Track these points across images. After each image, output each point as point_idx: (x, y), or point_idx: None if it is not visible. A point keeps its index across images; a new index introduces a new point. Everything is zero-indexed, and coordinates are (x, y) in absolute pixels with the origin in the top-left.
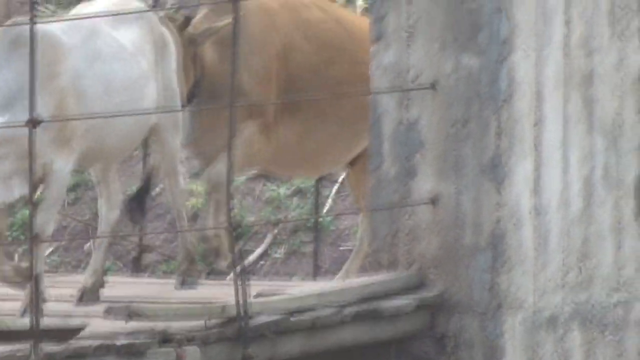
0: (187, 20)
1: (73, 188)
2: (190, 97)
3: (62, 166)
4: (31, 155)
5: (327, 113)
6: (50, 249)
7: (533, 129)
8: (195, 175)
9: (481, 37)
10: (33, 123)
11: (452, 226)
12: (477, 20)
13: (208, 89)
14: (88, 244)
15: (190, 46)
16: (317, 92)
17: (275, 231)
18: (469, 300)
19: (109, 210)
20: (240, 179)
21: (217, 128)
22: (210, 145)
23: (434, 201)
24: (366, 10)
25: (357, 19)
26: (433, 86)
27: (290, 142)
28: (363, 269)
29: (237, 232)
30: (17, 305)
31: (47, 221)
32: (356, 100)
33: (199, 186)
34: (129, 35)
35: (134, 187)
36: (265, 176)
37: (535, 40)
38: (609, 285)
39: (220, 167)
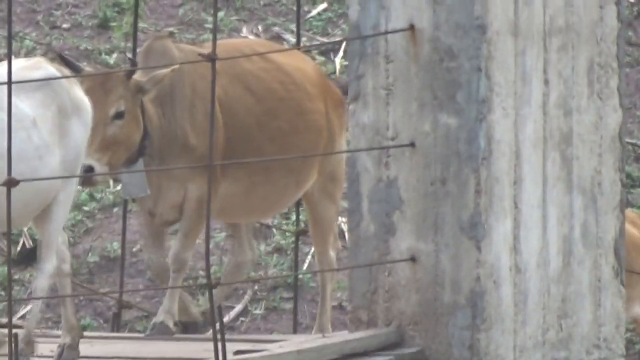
0: (131, 71)
1: None
2: (142, 151)
3: None
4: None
5: (273, 165)
6: (30, 306)
7: (512, 188)
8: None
9: (460, 96)
10: None
11: (432, 284)
12: (456, 79)
13: (155, 145)
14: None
15: (138, 94)
16: (263, 144)
17: (255, 288)
18: (449, 358)
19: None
20: (220, 235)
21: (167, 187)
22: (162, 206)
23: (413, 259)
24: (345, 68)
25: (301, 64)
26: (412, 144)
27: (237, 194)
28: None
29: (217, 289)
30: None
31: None
32: (300, 149)
33: None
34: (30, 102)
35: (114, 244)
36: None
37: (514, 100)
38: (589, 342)
39: (177, 248)
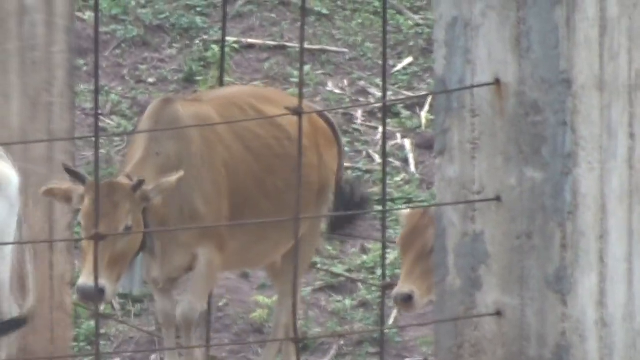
0: (140, 183)
1: (139, 299)
2: (142, 247)
3: None
4: (96, 270)
5: (269, 223)
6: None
7: (598, 242)
8: (261, 287)
9: (545, 150)
10: None
11: (518, 338)
12: (541, 133)
13: (159, 222)
14: (154, 356)
15: (142, 203)
16: (260, 202)
17: (341, 342)
18: None
19: None
20: (306, 290)
21: (173, 252)
22: (168, 271)
23: (499, 313)
24: (431, 122)
25: (293, 120)
26: (498, 198)
27: (237, 251)
28: None
29: (303, 343)
30: None
31: None
32: (291, 205)
33: (265, 299)
34: None
35: None
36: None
37: (599, 154)
38: None
39: (185, 304)
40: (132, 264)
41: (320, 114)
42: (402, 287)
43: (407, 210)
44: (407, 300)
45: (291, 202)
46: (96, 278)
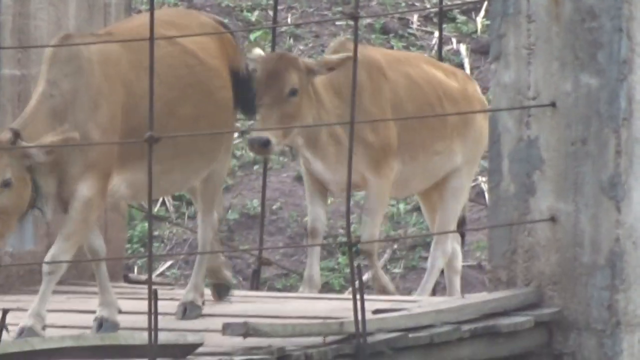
0: (15, 135)
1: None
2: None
3: None
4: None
5: (184, 151)
6: (170, 262)
7: None
8: None
9: (601, 56)
10: None
11: (571, 244)
12: (597, 39)
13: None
14: None
15: (24, 159)
16: (175, 131)
17: (394, 247)
18: (587, 318)
19: None
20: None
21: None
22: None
23: (553, 219)
24: (487, 27)
25: (202, 38)
26: (553, 104)
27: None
28: (479, 283)
29: (356, 247)
30: (137, 320)
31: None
32: (211, 130)
33: None
34: None
35: (254, 202)
36: None
37: None
38: None
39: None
40: (22, 221)
41: (218, 22)
42: (261, 133)
43: (261, 54)
44: (265, 146)
45: (205, 128)
46: None
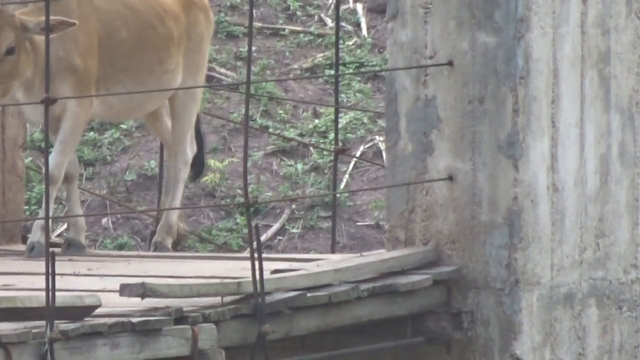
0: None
1: (91, 162)
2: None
3: None
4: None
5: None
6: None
7: (550, 107)
8: (213, 151)
9: (498, 15)
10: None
11: (469, 203)
12: None
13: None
14: (105, 219)
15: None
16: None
17: (293, 207)
18: (486, 277)
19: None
20: (257, 154)
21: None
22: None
23: (450, 178)
24: None
25: None
26: (450, 63)
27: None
28: (378, 242)
29: (255, 208)
30: (35, 282)
31: None
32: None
33: (217, 162)
34: None
35: (152, 162)
36: None
37: (552, 19)
38: (626, 262)
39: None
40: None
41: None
42: None
43: None
44: None
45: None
46: None
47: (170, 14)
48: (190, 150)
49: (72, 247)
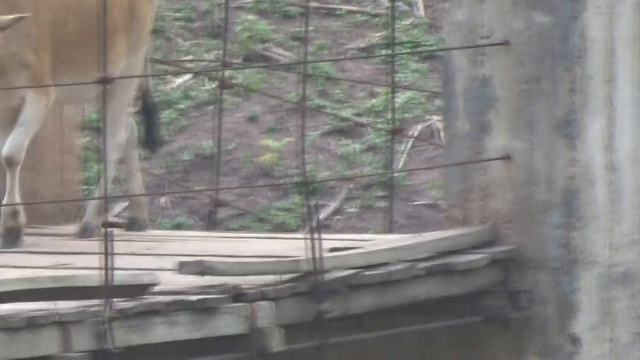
0: None
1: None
2: None
3: None
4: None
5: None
6: (126, 204)
7: (606, 86)
8: (270, 131)
9: None
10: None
11: (526, 182)
12: None
13: None
14: (163, 199)
15: None
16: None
17: (350, 186)
18: (544, 256)
19: None
20: (315, 133)
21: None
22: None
23: (508, 157)
24: None
25: None
26: (507, 43)
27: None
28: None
29: (312, 187)
30: (92, 261)
31: None
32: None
33: (274, 142)
34: None
35: (209, 142)
36: None
37: None
38: None
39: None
40: None
41: None
42: None
43: None
44: None
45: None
46: None
47: (115, 3)
48: (125, 132)
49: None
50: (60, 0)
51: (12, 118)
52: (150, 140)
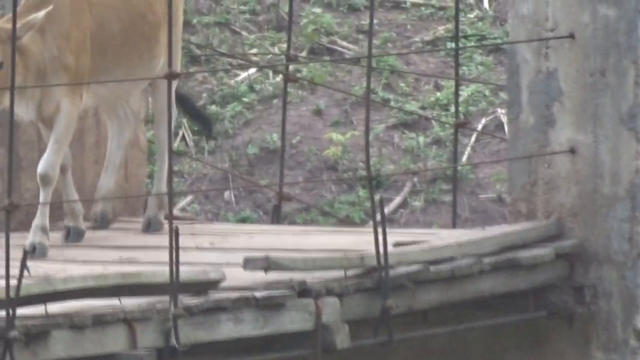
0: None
1: (213, 136)
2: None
3: None
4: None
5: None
6: (190, 197)
7: None
8: (334, 124)
9: None
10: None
11: (591, 175)
12: None
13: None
14: (228, 193)
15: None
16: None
17: (414, 180)
18: (608, 250)
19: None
20: (379, 126)
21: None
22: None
23: (572, 150)
24: None
25: None
26: (572, 36)
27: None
28: (500, 216)
29: (376, 181)
30: (157, 256)
31: None
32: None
33: (339, 135)
34: None
35: (274, 136)
36: None
37: None
38: None
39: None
40: None
41: None
42: None
43: None
44: None
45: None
46: None
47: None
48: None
49: (71, 235)
50: (102, 1)
51: (47, 124)
52: (202, 121)
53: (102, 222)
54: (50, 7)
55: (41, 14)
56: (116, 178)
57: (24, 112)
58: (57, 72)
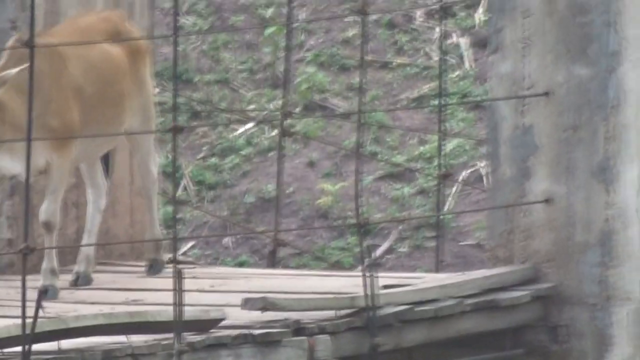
0: None
1: (213, 186)
2: None
3: None
4: (174, 160)
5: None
6: (192, 243)
7: (639, 135)
8: (326, 176)
9: (591, 49)
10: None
11: (565, 224)
12: (588, 33)
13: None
14: (226, 239)
15: None
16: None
17: (400, 228)
18: (580, 293)
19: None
20: (368, 178)
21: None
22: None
23: (547, 200)
24: (485, 23)
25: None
26: (547, 94)
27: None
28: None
29: (365, 228)
30: (161, 297)
31: None
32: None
33: (330, 186)
34: None
35: (269, 186)
36: None
37: None
38: None
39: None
40: None
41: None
42: None
43: None
44: None
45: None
46: None
47: (120, 70)
48: (154, 166)
49: (49, 293)
50: (78, 64)
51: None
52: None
53: (83, 281)
54: (25, 65)
55: (13, 71)
56: (96, 239)
57: (8, 165)
58: (40, 132)
